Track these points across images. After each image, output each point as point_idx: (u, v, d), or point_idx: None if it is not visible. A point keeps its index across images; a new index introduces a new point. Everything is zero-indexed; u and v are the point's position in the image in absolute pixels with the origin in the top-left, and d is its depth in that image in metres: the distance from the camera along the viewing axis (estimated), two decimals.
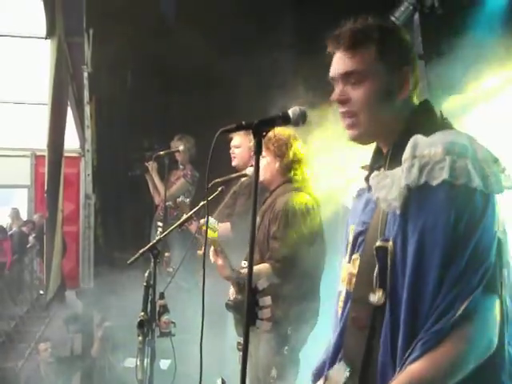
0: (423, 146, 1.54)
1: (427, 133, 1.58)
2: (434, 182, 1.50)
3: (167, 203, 5.42)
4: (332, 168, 3.55)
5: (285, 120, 1.71)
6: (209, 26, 5.78)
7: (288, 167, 3.52)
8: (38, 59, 9.14)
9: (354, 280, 1.70)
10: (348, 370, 1.65)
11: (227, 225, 4.34)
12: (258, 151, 1.67)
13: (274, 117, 1.70)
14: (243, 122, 1.69)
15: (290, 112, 1.72)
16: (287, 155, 3.49)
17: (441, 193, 1.50)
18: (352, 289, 1.70)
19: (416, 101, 1.70)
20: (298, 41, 5.62)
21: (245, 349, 1.61)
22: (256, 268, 3.37)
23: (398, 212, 1.55)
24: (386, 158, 1.67)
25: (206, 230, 2.97)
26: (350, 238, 1.76)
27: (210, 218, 3.32)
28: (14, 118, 11.61)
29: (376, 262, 1.59)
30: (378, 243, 1.59)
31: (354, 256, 1.72)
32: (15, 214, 12.03)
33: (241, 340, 1.64)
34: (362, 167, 1.82)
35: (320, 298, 3.53)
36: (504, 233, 1.58)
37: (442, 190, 1.50)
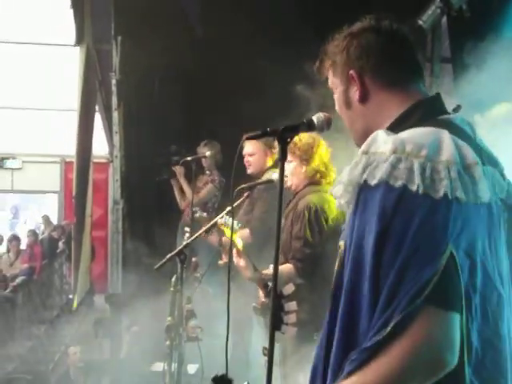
0: (379, 142, 1.44)
1: (406, 129, 1.47)
2: (373, 182, 1.39)
3: (194, 208, 5.45)
4: None
5: (309, 126, 1.72)
6: (235, 33, 5.81)
7: (314, 171, 3.54)
8: (67, 66, 9.28)
9: None
10: None
11: (246, 231, 4.34)
12: (282, 157, 1.68)
13: (299, 123, 1.71)
14: (268, 129, 1.70)
15: (315, 118, 1.73)
16: (313, 160, 3.52)
17: (377, 193, 1.39)
18: None
19: (403, 97, 1.58)
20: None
21: (270, 354, 1.61)
22: (280, 267, 3.37)
23: (346, 209, 1.49)
24: None
25: (231, 235, 2.98)
26: None
27: (229, 219, 3.33)
28: (45, 124, 11.79)
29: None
30: (340, 242, 1.54)
31: None
32: (46, 220, 12.21)
33: (266, 345, 1.64)
34: None
35: None
36: (483, 252, 1.41)
37: (378, 190, 1.38)
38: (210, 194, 5.85)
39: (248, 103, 5.74)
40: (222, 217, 3.38)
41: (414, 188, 1.36)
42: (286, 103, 3.90)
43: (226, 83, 6.06)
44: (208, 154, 5.54)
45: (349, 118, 1.63)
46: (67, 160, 11.82)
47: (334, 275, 1.53)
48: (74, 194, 8.38)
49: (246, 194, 3.49)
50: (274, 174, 3.37)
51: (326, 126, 1.74)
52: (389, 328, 1.32)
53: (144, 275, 5.33)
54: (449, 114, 1.58)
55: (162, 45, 6.04)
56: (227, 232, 3.38)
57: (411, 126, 1.47)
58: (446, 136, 1.43)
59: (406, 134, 1.44)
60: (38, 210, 13.49)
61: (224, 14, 5.97)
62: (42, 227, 12.25)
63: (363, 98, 1.59)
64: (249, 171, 4.46)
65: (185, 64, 6.13)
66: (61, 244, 10.94)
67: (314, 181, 3.55)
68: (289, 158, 3.49)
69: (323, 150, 3.54)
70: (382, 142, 1.43)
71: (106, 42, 7.24)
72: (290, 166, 3.53)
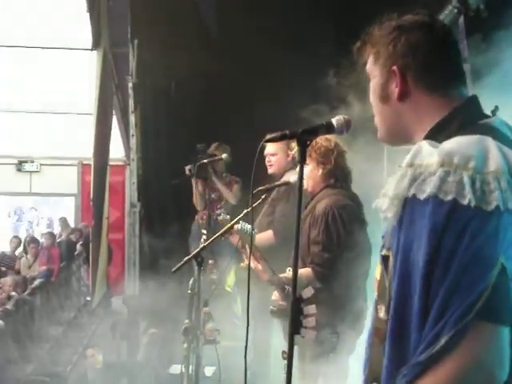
0: (425, 154, 1.40)
1: (449, 138, 1.43)
2: (422, 196, 1.36)
3: (219, 211, 5.50)
4: None
5: (329, 129, 1.72)
6: (250, 33, 5.82)
7: (330, 174, 3.54)
8: (84, 70, 9.33)
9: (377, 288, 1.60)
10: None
11: (269, 232, 4.34)
12: (302, 160, 1.67)
13: (318, 125, 1.71)
14: (287, 132, 1.69)
15: (334, 121, 1.72)
16: (330, 162, 3.51)
17: (426, 208, 1.35)
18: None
19: (449, 100, 1.53)
20: (345, 49, 5.61)
21: (290, 357, 1.61)
22: (299, 271, 3.37)
23: (393, 222, 1.44)
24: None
25: (251, 240, 2.98)
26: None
27: (244, 223, 3.33)
28: (62, 128, 11.87)
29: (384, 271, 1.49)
30: (383, 252, 1.51)
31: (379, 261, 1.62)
32: (63, 222, 12.29)
33: (285, 349, 1.64)
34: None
35: (367, 302, 3.50)
36: None
37: (428, 204, 1.35)
38: (239, 194, 5.89)
39: (262, 105, 5.75)
40: (240, 219, 3.37)
41: (465, 202, 1.33)
42: (304, 106, 3.90)
43: (241, 85, 6.07)
44: (225, 156, 5.56)
45: (381, 112, 1.59)
46: (84, 163, 11.89)
47: (377, 284, 1.52)
48: (91, 196, 8.43)
49: (263, 197, 3.48)
50: (292, 177, 3.37)
51: (345, 129, 1.73)
52: (441, 342, 1.30)
53: (161, 278, 5.34)
54: (487, 116, 1.54)
55: (178, 47, 6.07)
56: (245, 238, 3.38)
57: (453, 133, 1.44)
58: (491, 144, 1.40)
59: (450, 145, 1.40)
60: (56, 212, 13.58)
61: (239, 15, 5.98)
62: (60, 229, 12.32)
63: (402, 96, 1.54)
64: (270, 171, 4.48)
65: (201, 66, 6.15)
66: (78, 246, 11.00)
67: (331, 184, 3.54)
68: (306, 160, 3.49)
69: (340, 153, 3.54)
70: (428, 153, 1.39)
71: (122, 45, 7.28)
72: (307, 168, 3.52)
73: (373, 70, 1.59)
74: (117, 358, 6.84)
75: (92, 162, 8.21)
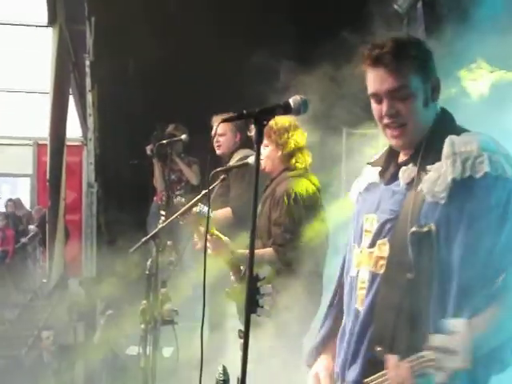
0: (460, 144, 1.80)
1: (451, 133, 1.84)
2: (477, 175, 1.76)
3: (178, 192, 5.49)
4: None
5: (286, 109, 1.72)
6: (211, 13, 5.77)
7: (290, 155, 3.56)
8: (39, 47, 9.13)
9: (381, 262, 1.87)
10: (378, 348, 1.80)
11: (228, 210, 4.34)
12: (258, 140, 1.67)
13: (275, 106, 1.71)
14: (244, 111, 1.69)
15: (291, 101, 1.72)
16: (289, 144, 3.53)
17: (483, 183, 1.76)
18: (381, 270, 1.86)
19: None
20: (301, 33, 5.61)
21: (246, 336, 1.62)
22: (261, 251, 3.40)
23: (442, 202, 1.78)
24: (417, 156, 1.87)
25: (207, 221, 2.97)
26: (370, 226, 1.94)
27: (202, 206, 3.33)
28: (16, 106, 11.61)
29: (409, 245, 1.78)
30: (414, 228, 1.79)
31: (379, 241, 1.89)
32: (18, 203, 12.08)
33: (242, 328, 1.65)
34: (369, 163, 2.05)
35: (322, 284, 3.54)
36: None
37: (484, 181, 1.76)
38: (198, 174, 5.88)
39: (221, 85, 5.71)
40: (198, 201, 3.36)
41: (508, 176, 1.78)
42: (262, 87, 3.90)
43: (200, 64, 6.01)
44: (184, 137, 5.52)
45: (423, 116, 1.88)
46: (40, 143, 11.66)
47: (412, 252, 1.79)
48: (47, 177, 8.28)
49: (221, 177, 3.48)
50: (250, 158, 3.37)
51: (302, 109, 1.74)
52: (496, 286, 1.71)
53: (119, 259, 5.30)
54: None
55: (136, 25, 5.97)
56: (202, 221, 3.37)
57: (455, 131, 1.86)
58: (488, 135, 1.85)
59: (473, 136, 1.84)
60: (11, 193, 13.30)
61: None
62: (13, 210, 12.10)
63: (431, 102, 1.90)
64: (218, 152, 4.50)
65: (160, 45, 6.07)
66: (33, 227, 10.83)
67: (290, 165, 3.57)
68: (265, 141, 3.50)
69: (299, 135, 3.55)
70: (463, 143, 1.81)
71: (79, 22, 7.12)
72: (266, 149, 3.54)
73: (412, 80, 1.85)
74: (73, 340, 6.78)
75: (48, 142, 8.06)
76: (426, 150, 1.87)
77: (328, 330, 2.11)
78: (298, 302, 3.37)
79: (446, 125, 1.91)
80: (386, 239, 1.88)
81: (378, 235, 1.91)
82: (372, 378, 1.79)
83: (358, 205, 2.07)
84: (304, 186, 3.52)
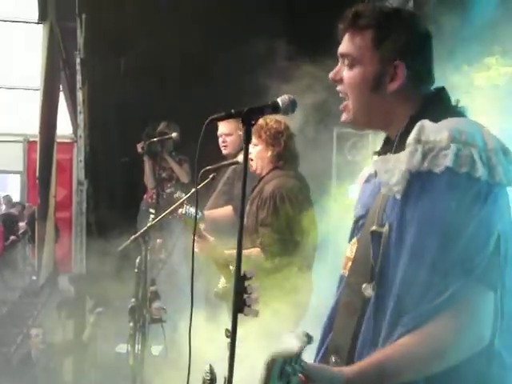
0: (429, 131, 1.53)
1: (437, 120, 1.56)
2: (437, 169, 1.50)
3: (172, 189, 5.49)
4: None
5: (274, 108, 1.71)
6: (202, 13, 5.75)
7: (279, 156, 3.57)
8: (30, 44, 9.08)
9: (349, 264, 1.71)
10: (333, 358, 1.65)
11: (228, 208, 4.31)
12: (247, 139, 1.66)
13: (264, 105, 1.70)
14: (232, 111, 1.68)
15: (280, 100, 1.71)
16: (279, 144, 3.54)
17: (442, 180, 1.50)
18: (346, 273, 1.71)
19: (425, 89, 1.68)
20: (292, 29, 5.61)
21: (233, 336, 1.62)
22: (247, 251, 3.40)
23: (397, 196, 1.55)
24: (393, 143, 1.66)
25: (195, 219, 2.97)
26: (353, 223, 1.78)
27: (188, 207, 3.32)
28: (7, 103, 11.54)
29: (370, 246, 1.60)
30: (374, 227, 1.60)
31: (353, 240, 1.74)
32: (8, 200, 12.02)
33: (229, 327, 1.65)
34: (374, 153, 1.80)
35: (312, 283, 3.55)
36: None
37: (444, 177, 1.49)
38: (189, 173, 5.87)
39: (214, 86, 5.70)
40: (188, 199, 3.36)
41: (477, 175, 1.48)
42: (254, 86, 3.90)
43: (192, 63, 6.00)
44: (174, 135, 5.51)
45: (366, 100, 1.66)
46: (30, 139, 11.61)
47: (352, 261, 1.64)
48: (37, 174, 8.24)
49: (211, 176, 3.48)
50: (240, 156, 3.37)
51: (291, 109, 1.73)
52: (444, 299, 1.46)
53: (108, 256, 5.29)
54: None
55: (127, 22, 5.95)
56: (189, 222, 3.37)
57: (440, 116, 1.57)
58: (481, 126, 1.57)
59: (454, 124, 1.54)
60: (1, 190, 13.25)
61: None
62: (4, 208, 12.05)
63: (397, 89, 1.64)
64: (225, 152, 4.43)
65: (151, 43, 6.05)
66: (23, 224, 10.78)
67: (279, 165, 3.57)
68: (255, 141, 3.51)
69: (290, 136, 3.56)
70: (433, 130, 1.53)
71: (70, 19, 7.09)
72: (256, 149, 3.55)
73: (365, 55, 1.64)
74: (62, 338, 6.77)
75: (38, 139, 8.03)
76: (400, 137, 1.62)
77: None
78: (285, 301, 3.38)
79: (432, 108, 1.62)
80: (356, 238, 1.71)
81: (352, 233, 1.75)
82: None
83: (358, 197, 1.86)
84: (291, 185, 3.52)
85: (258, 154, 3.54)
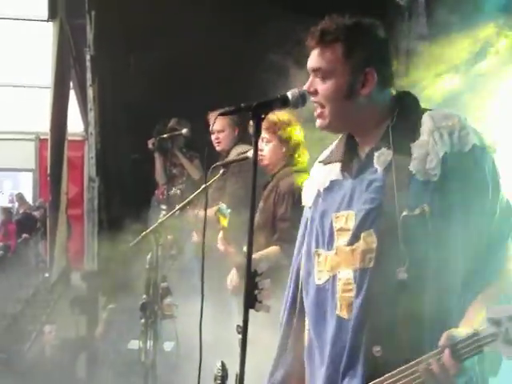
0: (440, 118, 1.75)
1: (417, 114, 1.79)
2: (466, 148, 1.71)
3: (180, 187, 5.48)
4: None
5: (284, 102, 1.71)
6: (214, 9, 5.74)
7: (293, 151, 3.58)
8: (40, 42, 9.11)
9: (369, 256, 1.73)
10: (375, 349, 1.69)
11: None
12: (256, 134, 1.66)
13: (273, 99, 1.69)
14: (242, 105, 1.67)
15: (289, 94, 1.70)
16: (292, 139, 3.54)
17: (472, 156, 1.71)
18: (371, 264, 1.73)
19: (393, 92, 1.84)
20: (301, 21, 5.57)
21: (244, 332, 1.61)
22: (265, 252, 3.39)
23: (434, 179, 1.70)
24: (387, 139, 1.78)
25: (205, 215, 2.95)
26: (345, 224, 1.80)
27: (222, 204, 3.35)
28: (18, 101, 11.59)
29: (400, 232, 1.67)
30: (405, 213, 1.69)
31: (364, 234, 1.75)
32: (20, 197, 12.09)
33: (240, 323, 1.65)
34: (321, 161, 1.96)
35: None
36: None
37: (472, 153, 1.71)
38: (200, 169, 5.86)
39: (225, 82, 5.69)
40: (198, 195, 3.36)
41: (485, 147, 1.75)
42: (263, 81, 3.88)
43: (201, 59, 5.99)
44: (185, 131, 5.50)
45: (341, 107, 1.78)
46: (42, 137, 11.65)
47: (403, 239, 1.69)
48: (48, 171, 8.28)
49: (221, 172, 3.47)
50: (250, 151, 3.36)
51: (300, 102, 1.72)
52: (500, 254, 1.72)
53: (120, 253, 5.30)
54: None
55: (136, 19, 5.95)
56: (223, 220, 3.37)
57: (419, 109, 1.82)
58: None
59: (446, 112, 1.79)
60: (13, 188, 13.32)
61: None
62: (17, 205, 12.12)
63: (369, 94, 1.78)
64: (218, 148, 4.49)
65: (161, 38, 6.05)
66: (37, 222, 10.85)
67: (292, 161, 3.57)
68: (268, 137, 3.52)
69: (299, 130, 3.57)
70: (443, 117, 1.75)
71: (79, 16, 7.10)
72: (269, 145, 3.55)
73: (336, 68, 1.76)
74: (76, 334, 6.79)
75: (49, 137, 8.05)
76: (394, 132, 1.77)
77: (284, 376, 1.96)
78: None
79: (410, 105, 1.83)
80: (371, 230, 1.74)
81: (360, 228, 1.77)
82: (386, 376, 1.62)
83: (318, 207, 1.93)
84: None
85: (272, 150, 3.56)
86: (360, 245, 1.76)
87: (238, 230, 3.51)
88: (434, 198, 1.69)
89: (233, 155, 4.34)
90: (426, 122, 1.74)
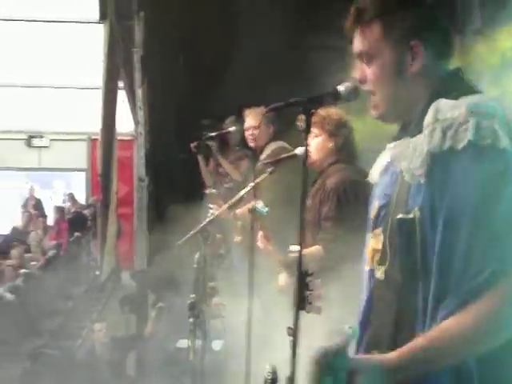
0: (446, 109, 1.47)
1: (456, 99, 1.50)
2: (460, 145, 1.42)
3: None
4: None
5: (335, 97, 1.65)
6: (263, 12, 5.72)
7: (341, 148, 3.46)
8: (91, 43, 9.26)
9: (377, 256, 1.63)
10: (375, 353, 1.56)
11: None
12: (307, 130, 1.60)
13: (324, 94, 1.64)
14: (292, 100, 1.63)
15: (341, 88, 1.64)
16: (342, 136, 3.44)
17: (467, 155, 1.43)
18: (376, 266, 1.63)
19: (445, 66, 1.61)
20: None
21: (295, 333, 1.56)
22: (308, 251, 3.32)
23: (421, 181, 1.48)
24: (409, 127, 1.59)
25: (251, 216, 2.93)
26: (373, 213, 1.70)
27: (259, 202, 3.28)
28: (71, 102, 11.82)
29: (396, 235, 1.54)
30: (400, 215, 1.53)
31: (376, 231, 1.65)
32: (71, 197, 12.34)
33: (291, 325, 1.60)
34: (393, 138, 1.72)
35: None
36: None
37: (468, 152, 1.42)
38: (245, 170, 5.82)
39: (275, 80, 5.65)
40: (245, 194, 3.32)
41: (502, 146, 1.42)
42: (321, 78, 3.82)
43: (251, 58, 5.97)
44: (232, 129, 5.48)
45: (393, 90, 1.59)
46: (94, 137, 11.85)
47: (398, 243, 1.55)
48: (99, 171, 8.40)
49: (269, 170, 3.42)
50: (299, 148, 3.29)
51: (353, 96, 1.66)
52: (488, 275, 1.39)
53: (169, 252, 5.32)
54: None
55: (185, 19, 5.97)
56: (259, 218, 3.33)
57: (457, 95, 1.51)
58: (499, 101, 1.53)
59: (468, 99, 1.49)
60: (66, 188, 13.58)
61: None
62: (69, 205, 12.36)
63: (419, 70, 1.56)
64: (252, 144, 4.45)
65: (210, 38, 6.06)
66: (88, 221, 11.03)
67: (340, 159, 3.46)
68: (316, 132, 3.41)
69: (351, 128, 3.47)
70: (449, 107, 1.47)
71: (129, 17, 7.19)
72: (316, 140, 3.44)
73: (379, 47, 1.58)
74: (125, 332, 6.87)
75: (100, 137, 8.17)
76: (416, 119, 1.55)
77: None
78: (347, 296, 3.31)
79: (448, 88, 1.55)
80: (380, 228, 1.62)
81: (374, 224, 1.66)
82: None
83: (375, 188, 1.78)
84: (355, 179, 3.41)
85: (319, 145, 3.43)
86: (372, 243, 1.67)
87: (276, 227, 3.46)
88: (424, 203, 1.48)
89: (266, 153, 4.29)
90: (429, 112, 1.50)
